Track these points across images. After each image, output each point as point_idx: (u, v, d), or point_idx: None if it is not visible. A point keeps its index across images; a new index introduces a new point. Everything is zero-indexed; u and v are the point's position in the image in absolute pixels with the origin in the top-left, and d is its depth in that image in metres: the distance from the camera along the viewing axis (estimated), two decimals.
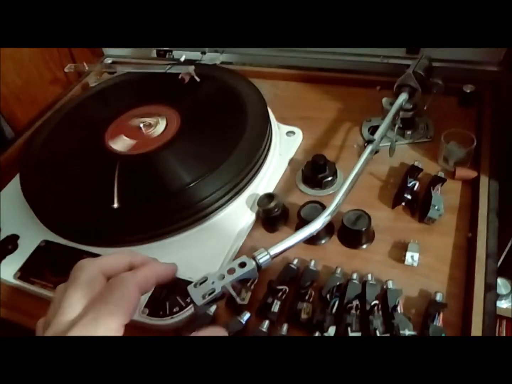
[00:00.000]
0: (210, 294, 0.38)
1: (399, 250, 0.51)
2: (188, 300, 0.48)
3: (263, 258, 0.41)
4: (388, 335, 0.43)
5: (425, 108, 0.61)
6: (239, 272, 0.39)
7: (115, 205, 0.54)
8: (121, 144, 0.62)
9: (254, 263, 0.40)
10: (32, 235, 0.58)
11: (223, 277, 0.39)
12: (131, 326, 0.47)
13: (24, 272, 0.54)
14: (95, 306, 0.33)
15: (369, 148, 0.52)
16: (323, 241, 0.53)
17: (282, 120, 0.68)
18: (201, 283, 0.38)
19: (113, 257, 0.39)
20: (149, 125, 0.64)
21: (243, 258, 0.40)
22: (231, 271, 0.39)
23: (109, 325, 0.32)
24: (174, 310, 0.48)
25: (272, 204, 0.53)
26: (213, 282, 0.38)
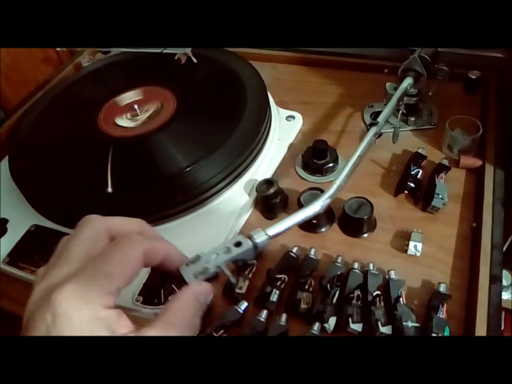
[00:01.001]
0: (202, 273, 0.36)
1: (401, 239, 0.49)
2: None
3: (260, 238, 0.38)
4: (390, 326, 0.42)
5: (430, 94, 0.59)
6: (235, 252, 0.37)
7: (109, 189, 0.52)
8: (115, 126, 0.60)
9: (250, 242, 0.37)
10: (22, 219, 0.56)
11: (217, 257, 0.36)
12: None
13: (13, 257, 0.52)
14: (94, 263, 0.31)
15: (373, 130, 0.50)
16: (323, 229, 0.51)
17: (281, 104, 0.66)
18: (193, 262, 0.36)
19: (123, 219, 0.36)
20: (144, 107, 0.61)
21: (239, 238, 0.37)
22: (226, 250, 0.37)
23: (105, 287, 0.30)
24: (169, 298, 0.46)
25: (272, 191, 0.51)
26: (206, 262, 0.36)
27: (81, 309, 0.27)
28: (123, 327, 0.30)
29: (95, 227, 0.34)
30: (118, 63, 0.73)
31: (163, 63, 0.69)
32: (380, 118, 0.51)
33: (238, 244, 0.37)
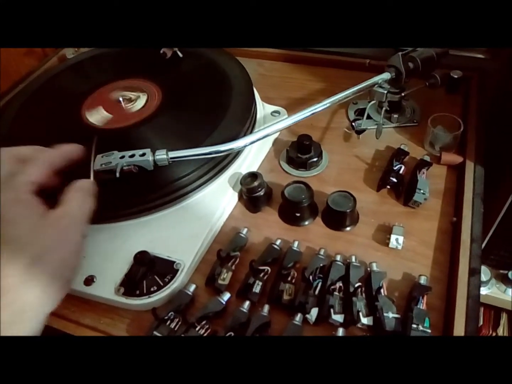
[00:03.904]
0: (105, 164, 0.47)
1: (383, 233, 0.50)
2: (167, 279, 0.46)
3: (160, 155, 0.48)
4: (371, 317, 0.42)
5: (409, 92, 0.60)
6: (137, 158, 0.48)
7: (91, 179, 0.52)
8: (98, 118, 0.59)
9: (152, 157, 0.48)
10: None
11: (123, 157, 0.48)
12: (105, 306, 0.46)
13: None
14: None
15: None
16: (306, 223, 0.52)
17: (267, 100, 0.67)
18: (107, 156, 0.48)
19: (25, 147, 0.43)
20: (129, 100, 0.61)
21: (146, 151, 0.48)
22: (131, 155, 0.48)
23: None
24: (152, 289, 0.46)
25: (256, 183, 0.52)
26: (114, 158, 0.48)
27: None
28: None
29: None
30: (103, 56, 0.72)
31: (148, 57, 0.69)
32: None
33: (143, 154, 0.48)
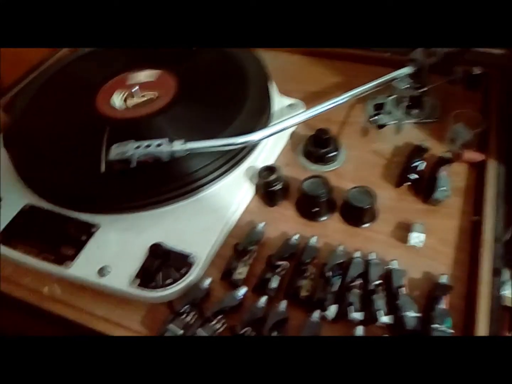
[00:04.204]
0: (120, 154, 0.47)
1: (402, 231, 0.49)
2: (182, 272, 0.45)
3: (177, 146, 0.48)
4: (392, 316, 0.41)
5: (430, 87, 0.58)
6: (153, 149, 0.47)
7: (102, 169, 0.51)
8: (112, 107, 0.59)
9: (168, 147, 0.47)
10: (15, 198, 0.54)
11: (139, 147, 0.48)
12: (118, 297, 0.45)
13: (5, 236, 0.51)
14: None
15: None
16: (324, 218, 0.51)
17: (283, 92, 0.65)
18: (125, 145, 0.48)
19: None
20: (144, 89, 0.60)
21: (163, 141, 0.48)
22: (147, 145, 0.48)
23: None
24: (167, 282, 0.45)
25: (273, 177, 0.51)
26: (130, 148, 0.48)
27: None
28: None
29: None
30: None
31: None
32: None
33: (159, 145, 0.48)
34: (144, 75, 0.62)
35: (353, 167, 0.56)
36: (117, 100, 0.59)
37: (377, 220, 0.50)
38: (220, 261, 0.48)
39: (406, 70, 0.55)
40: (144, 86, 0.60)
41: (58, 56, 0.79)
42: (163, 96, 0.59)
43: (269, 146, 0.57)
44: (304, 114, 0.53)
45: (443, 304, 0.42)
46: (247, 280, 0.46)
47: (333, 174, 0.55)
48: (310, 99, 0.65)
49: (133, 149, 0.48)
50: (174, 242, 0.48)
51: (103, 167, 0.51)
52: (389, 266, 0.45)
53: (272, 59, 0.72)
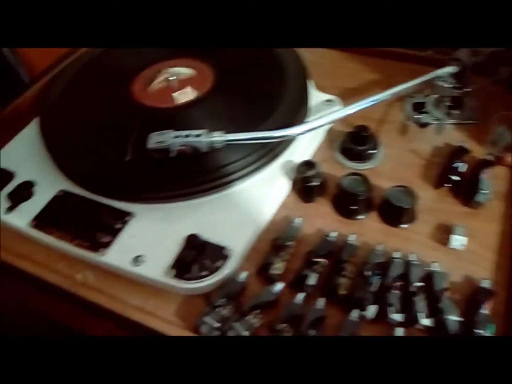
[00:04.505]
0: (159, 143, 0.47)
1: (442, 232, 0.48)
2: (218, 265, 0.45)
3: (216, 137, 0.48)
4: (432, 319, 0.40)
5: (471, 88, 0.57)
6: (192, 139, 0.47)
7: (128, 157, 0.51)
8: (148, 95, 0.58)
9: (207, 138, 0.47)
10: (49, 184, 0.54)
11: (178, 137, 0.47)
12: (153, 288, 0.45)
13: (39, 221, 0.51)
14: None
15: None
16: (361, 216, 0.50)
17: (319, 88, 0.64)
18: (163, 134, 0.48)
19: None
20: (180, 79, 0.59)
21: (202, 131, 0.48)
22: (186, 135, 0.47)
23: None
24: (202, 273, 0.44)
25: (311, 172, 0.50)
26: (169, 137, 0.47)
27: None
28: None
29: None
30: None
31: None
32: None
33: (198, 135, 0.47)
34: (181, 65, 0.62)
35: (391, 166, 0.55)
36: (153, 88, 0.59)
37: (416, 220, 0.49)
38: (254, 255, 0.48)
39: (449, 69, 0.54)
40: (180, 76, 0.60)
41: None
42: (200, 87, 0.58)
43: (306, 142, 0.56)
44: (344, 110, 0.52)
45: (485, 310, 0.41)
46: (283, 276, 0.45)
47: (370, 172, 0.54)
48: (346, 96, 0.64)
49: (172, 139, 0.48)
50: (209, 234, 0.47)
51: (129, 155, 0.51)
52: (430, 268, 0.44)
53: (307, 54, 0.71)
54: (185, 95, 0.57)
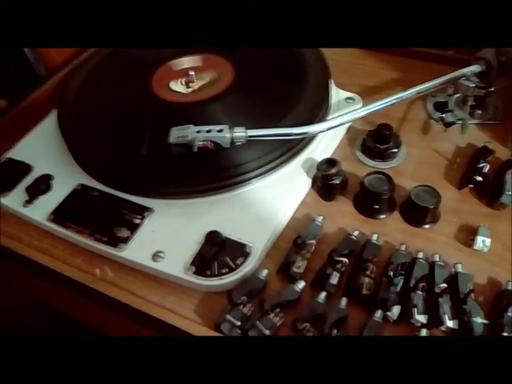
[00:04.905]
0: (181, 137, 0.47)
1: (466, 233, 0.47)
2: (239, 262, 0.44)
3: (239, 132, 0.47)
4: (457, 321, 0.40)
5: (494, 88, 0.56)
6: (214, 134, 0.47)
7: (143, 151, 0.51)
8: (168, 90, 0.58)
9: (230, 133, 0.47)
10: (67, 177, 0.54)
11: (200, 132, 0.47)
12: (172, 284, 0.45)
13: (57, 215, 0.50)
14: None
15: None
16: (383, 216, 0.49)
17: (339, 85, 0.64)
18: (183, 129, 0.47)
19: None
20: (200, 74, 0.59)
21: (224, 127, 0.47)
22: (208, 130, 0.47)
23: None
24: (223, 271, 0.44)
25: (333, 170, 0.49)
26: (191, 132, 0.47)
27: None
28: None
29: None
30: None
31: None
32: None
33: (220, 130, 0.47)
34: (202, 61, 0.61)
35: (413, 165, 0.54)
36: (174, 83, 0.58)
37: (439, 221, 0.48)
38: (275, 253, 0.47)
39: (474, 68, 0.53)
40: (201, 71, 0.59)
41: None
42: (220, 82, 0.58)
43: (327, 139, 0.56)
44: (366, 109, 0.51)
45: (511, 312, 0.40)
46: (304, 275, 0.44)
47: (392, 171, 0.53)
48: (367, 94, 0.63)
49: (193, 133, 0.47)
50: (229, 231, 0.47)
51: (144, 149, 0.51)
52: (455, 270, 0.43)
53: (326, 51, 0.71)
54: (205, 91, 0.57)
